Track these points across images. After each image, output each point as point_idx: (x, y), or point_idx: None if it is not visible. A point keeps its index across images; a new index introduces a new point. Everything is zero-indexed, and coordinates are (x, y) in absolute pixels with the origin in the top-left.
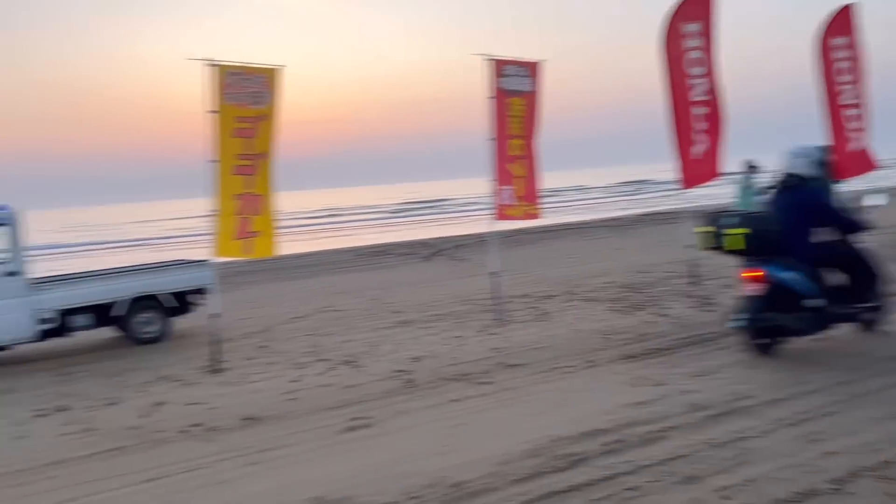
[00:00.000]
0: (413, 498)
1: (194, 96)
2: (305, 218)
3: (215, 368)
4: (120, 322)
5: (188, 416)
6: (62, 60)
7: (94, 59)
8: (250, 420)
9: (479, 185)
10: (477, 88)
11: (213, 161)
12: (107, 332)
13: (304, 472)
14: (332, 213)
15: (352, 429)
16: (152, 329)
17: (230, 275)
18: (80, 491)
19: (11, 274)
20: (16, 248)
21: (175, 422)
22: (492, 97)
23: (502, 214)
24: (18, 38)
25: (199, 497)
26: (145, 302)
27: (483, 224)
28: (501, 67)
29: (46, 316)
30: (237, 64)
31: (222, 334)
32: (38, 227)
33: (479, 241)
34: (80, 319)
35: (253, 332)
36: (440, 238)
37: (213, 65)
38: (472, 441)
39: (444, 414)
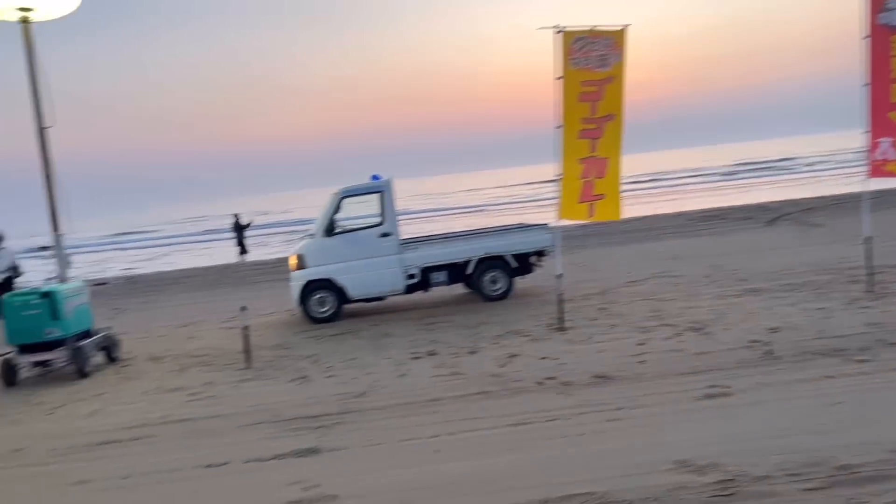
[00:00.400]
0: (792, 475)
1: (538, 66)
2: (630, 182)
3: (560, 326)
4: (469, 280)
5: (541, 369)
6: (419, 46)
7: (446, 41)
8: (601, 378)
9: (832, 142)
10: (843, 30)
11: (560, 126)
12: (457, 289)
13: (664, 434)
14: (658, 176)
15: (710, 396)
16: (498, 287)
17: (563, 238)
18: (456, 427)
19: (385, 235)
20: (389, 212)
21: (530, 373)
22: (867, 36)
23: (878, 171)
24: (382, 32)
25: (564, 445)
26: (492, 262)
27: (840, 185)
28: (885, 0)
29: (412, 272)
30: (583, 28)
31: (564, 294)
32: (403, 193)
33: (833, 203)
34: (437, 276)
35: (591, 293)
36: (784, 201)
37: (560, 31)
38: (855, 422)
39: (815, 390)
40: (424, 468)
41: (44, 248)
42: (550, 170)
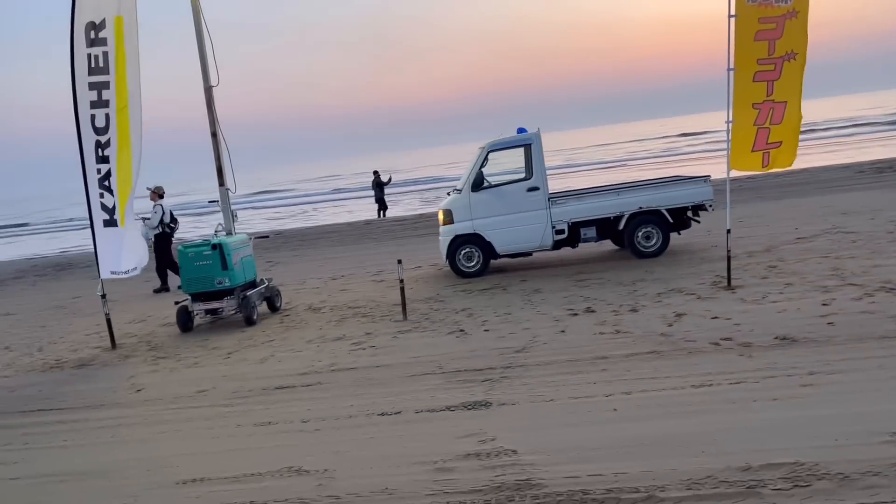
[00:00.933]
0: None
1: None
2: None
3: (728, 285)
4: (621, 235)
5: (714, 329)
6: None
7: None
8: (786, 340)
9: None
10: None
11: (732, 69)
12: (607, 245)
13: (871, 403)
14: (813, 126)
15: None
16: (651, 243)
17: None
18: (631, 386)
19: (533, 189)
20: (537, 166)
21: (702, 333)
22: None
23: None
24: None
25: (755, 410)
26: (646, 217)
27: None
28: None
29: (560, 227)
30: None
31: (726, 251)
32: (549, 147)
33: None
34: (587, 231)
35: (755, 250)
36: None
37: None
38: None
39: None
40: (604, 427)
41: (213, 202)
42: (704, 120)
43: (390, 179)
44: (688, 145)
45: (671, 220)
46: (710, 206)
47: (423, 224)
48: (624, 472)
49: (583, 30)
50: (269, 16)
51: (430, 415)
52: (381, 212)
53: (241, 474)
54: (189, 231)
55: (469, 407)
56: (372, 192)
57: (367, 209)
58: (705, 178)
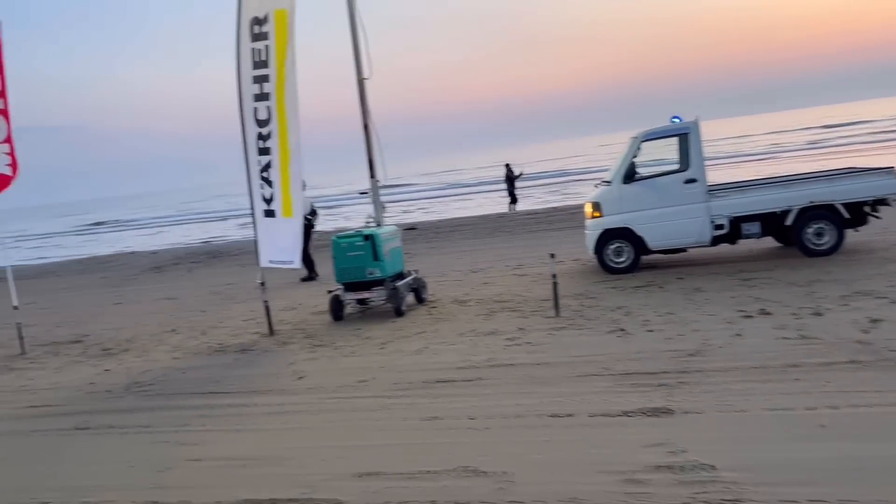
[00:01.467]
0: None
1: None
2: None
3: None
4: (788, 232)
5: None
6: None
7: None
8: None
9: None
10: None
11: None
12: (766, 242)
13: None
14: None
15: None
16: (823, 241)
17: None
18: (836, 400)
19: (690, 181)
20: (695, 156)
21: None
22: None
23: None
24: None
25: None
26: (817, 211)
27: None
28: None
29: (720, 222)
30: None
31: None
32: (711, 136)
33: None
34: (749, 227)
35: None
36: None
37: None
38: None
39: None
40: (813, 445)
41: (363, 193)
42: (849, 110)
43: (521, 174)
44: (839, 136)
45: (847, 216)
46: (894, 200)
47: (557, 217)
48: (853, 500)
49: (700, 20)
50: (388, 9)
51: (606, 419)
52: (512, 205)
53: (417, 471)
54: (326, 223)
55: (649, 414)
56: (504, 186)
57: (495, 202)
58: (888, 170)
